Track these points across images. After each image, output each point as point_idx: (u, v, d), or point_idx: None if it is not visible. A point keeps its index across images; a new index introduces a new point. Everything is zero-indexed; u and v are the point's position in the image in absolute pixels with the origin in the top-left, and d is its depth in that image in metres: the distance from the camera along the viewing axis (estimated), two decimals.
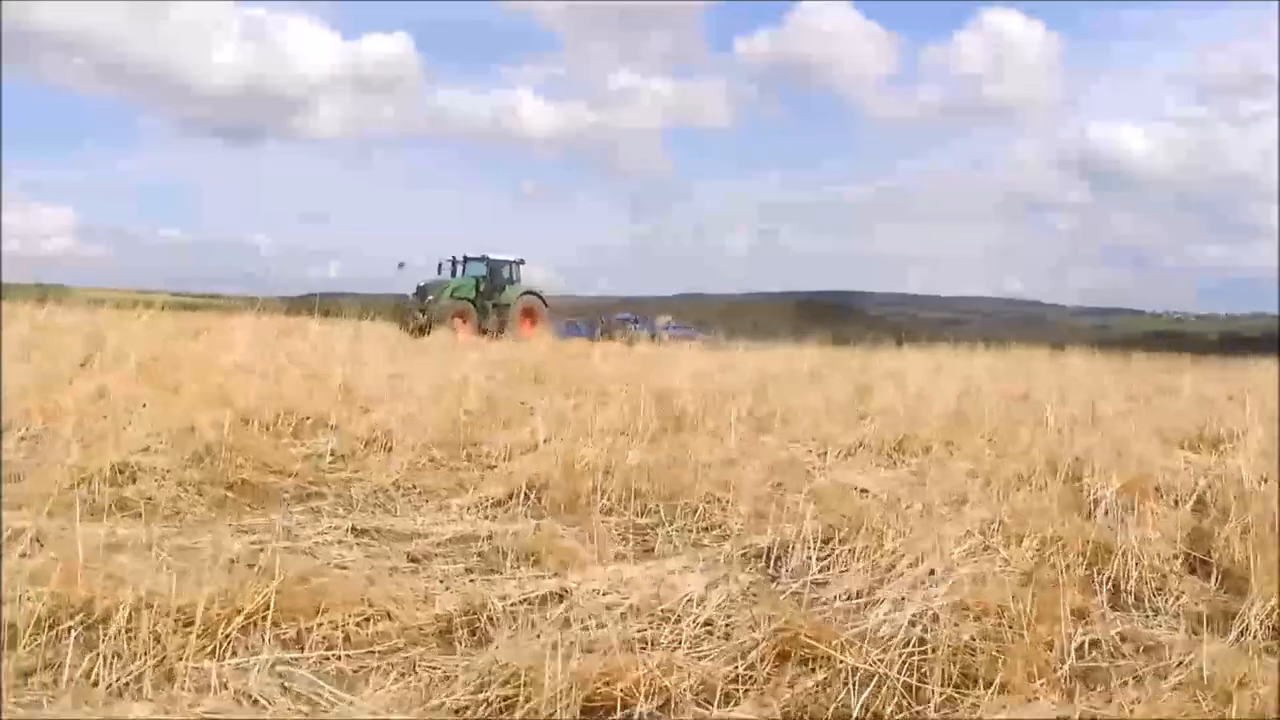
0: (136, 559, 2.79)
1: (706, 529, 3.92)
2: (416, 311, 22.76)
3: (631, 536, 3.81)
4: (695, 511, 4.01)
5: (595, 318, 28.42)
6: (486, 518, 3.88)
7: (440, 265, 25.15)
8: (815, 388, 8.95)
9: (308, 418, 5.63)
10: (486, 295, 24.60)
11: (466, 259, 25.41)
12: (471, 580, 3.07)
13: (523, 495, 4.11)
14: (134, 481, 3.93)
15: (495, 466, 4.81)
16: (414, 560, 3.28)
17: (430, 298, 23.76)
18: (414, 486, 4.29)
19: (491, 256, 25.36)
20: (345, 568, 3.09)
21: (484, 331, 22.21)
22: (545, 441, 5.13)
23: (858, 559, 3.35)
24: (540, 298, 25.35)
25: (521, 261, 25.81)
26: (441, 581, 3.05)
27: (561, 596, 2.92)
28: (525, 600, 2.88)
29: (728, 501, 4.21)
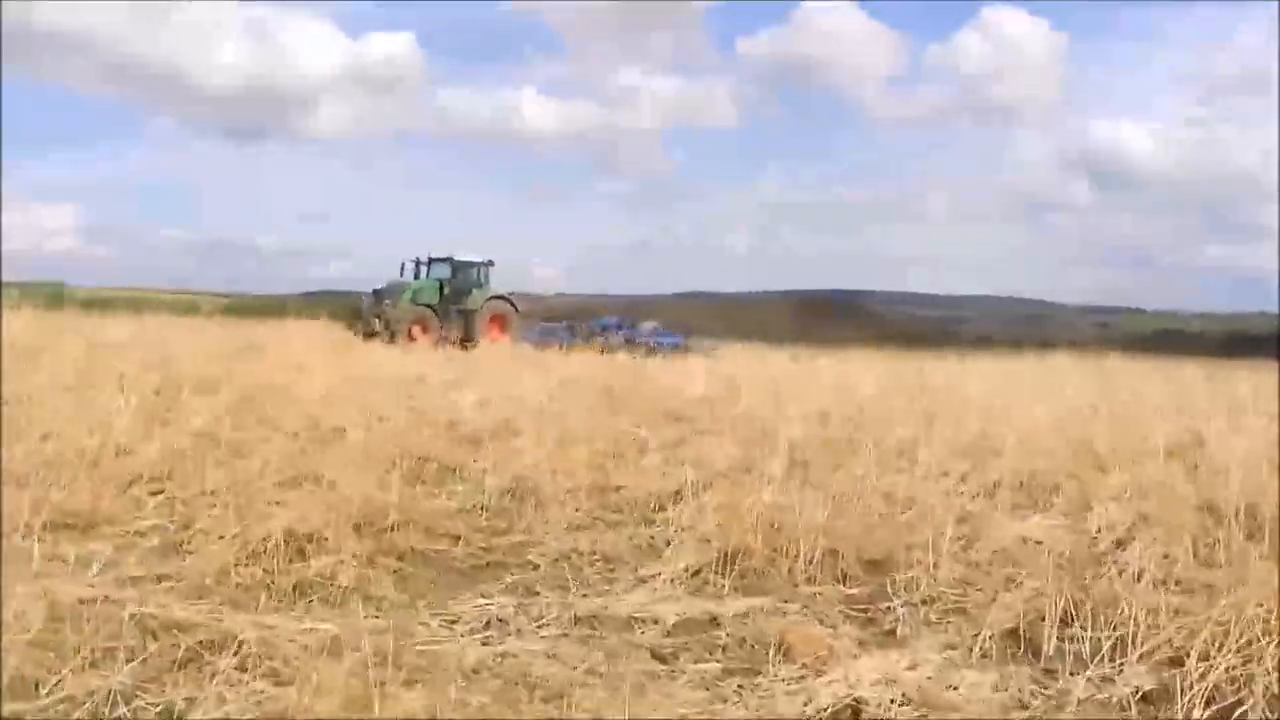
0: (388, 678, 2.45)
1: (925, 601, 3.63)
2: (372, 317, 20.56)
3: (853, 613, 3.51)
4: (911, 583, 3.71)
5: (574, 322, 24.47)
6: (693, 593, 3.57)
7: (402, 266, 22.34)
8: (899, 408, 8.69)
9: (427, 459, 5.28)
10: (451, 299, 21.86)
11: (431, 260, 22.55)
12: (739, 689, 2.76)
13: (721, 563, 3.78)
14: (302, 555, 3.57)
15: (654, 521, 4.50)
16: (659, 659, 2.95)
17: (388, 302, 21.18)
18: (595, 553, 3.95)
19: (456, 257, 22.54)
20: (599, 674, 2.77)
21: (446, 340, 19.48)
22: (694, 494, 4.80)
23: (1131, 648, 3.08)
24: (511, 302, 22.56)
25: (490, 263, 23.01)
26: (708, 689, 2.74)
27: (855, 711, 2.63)
28: (819, 715, 2.58)
29: (929, 564, 3.92)
